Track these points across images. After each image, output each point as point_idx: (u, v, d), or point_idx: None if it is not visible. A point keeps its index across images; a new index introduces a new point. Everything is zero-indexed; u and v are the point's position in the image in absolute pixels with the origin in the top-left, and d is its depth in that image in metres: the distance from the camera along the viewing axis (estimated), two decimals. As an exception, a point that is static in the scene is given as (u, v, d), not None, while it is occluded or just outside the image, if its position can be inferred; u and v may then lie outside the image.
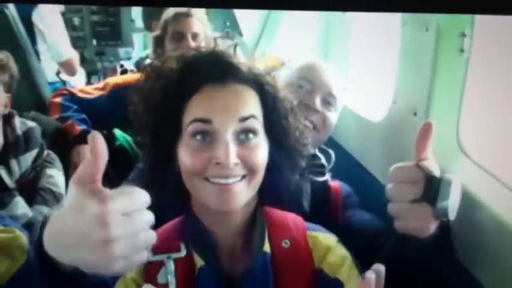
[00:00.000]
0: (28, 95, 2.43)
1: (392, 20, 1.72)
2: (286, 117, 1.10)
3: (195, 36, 2.46)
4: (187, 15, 2.47)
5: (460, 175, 1.44)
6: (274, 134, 1.08)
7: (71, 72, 3.17)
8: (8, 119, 1.93)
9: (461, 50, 1.46)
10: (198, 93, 1.03)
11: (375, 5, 0.56)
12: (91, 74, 4.09)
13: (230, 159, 0.96)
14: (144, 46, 4.00)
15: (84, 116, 2.39)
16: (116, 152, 2.43)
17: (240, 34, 4.07)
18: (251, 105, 1.04)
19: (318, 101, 1.64)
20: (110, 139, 2.49)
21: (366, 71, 2.56)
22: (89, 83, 3.90)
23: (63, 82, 3.18)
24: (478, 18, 1.45)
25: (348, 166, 2.04)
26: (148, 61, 2.67)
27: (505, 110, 1.72)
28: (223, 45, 1.15)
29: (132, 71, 3.10)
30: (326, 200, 1.60)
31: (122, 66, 3.18)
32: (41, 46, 2.99)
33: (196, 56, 1.09)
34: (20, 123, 1.96)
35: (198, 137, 1.00)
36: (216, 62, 1.06)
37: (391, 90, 1.75)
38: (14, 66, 1.95)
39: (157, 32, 2.56)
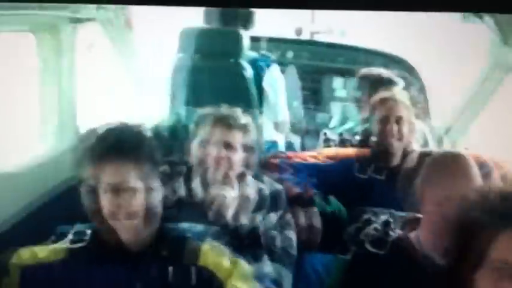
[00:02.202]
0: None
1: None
2: None
3: (398, 120, 2.60)
4: (391, 99, 2.62)
5: None
6: None
7: (284, 131, 3.49)
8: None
9: None
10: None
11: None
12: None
13: None
14: (343, 117, 4.15)
15: (299, 179, 2.60)
16: (326, 217, 2.58)
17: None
18: None
19: None
20: (323, 204, 2.66)
21: None
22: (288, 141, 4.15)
23: (275, 142, 3.46)
24: None
25: None
26: (356, 138, 2.86)
27: None
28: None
29: (333, 141, 3.26)
30: None
31: (325, 134, 3.36)
32: (265, 107, 3.31)
33: None
34: (268, 184, 2.21)
35: None
36: None
37: None
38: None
39: (366, 115, 2.75)
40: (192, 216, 1.90)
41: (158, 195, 1.67)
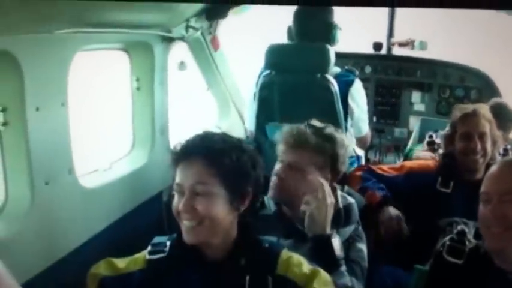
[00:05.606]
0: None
1: None
2: None
3: (482, 136, 2.55)
4: (473, 115, 2.58)
5: None
6: None
7: (365, 146, 3.47)
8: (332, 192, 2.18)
9: None
10: None
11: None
12: (368, 149, 4.32)
13: None
14: (421, 130, 4.10)
15: (382, 185, 2.61)
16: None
17: None
18: None
19: None
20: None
21: None
22: (366, 157, 4.13)
23: (358, 156, 3.45)
24: None
25: None
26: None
27: None
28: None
29: (439, 145, 3.24)
30: None
31: (430, 137, 3.37)
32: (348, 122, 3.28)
33: None
34: (340, 197, 2.20)
35: None
36: None
37: None
38: None
39: (447, 131, 2.72)
40: (265, 228, 1.94)
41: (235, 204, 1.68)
